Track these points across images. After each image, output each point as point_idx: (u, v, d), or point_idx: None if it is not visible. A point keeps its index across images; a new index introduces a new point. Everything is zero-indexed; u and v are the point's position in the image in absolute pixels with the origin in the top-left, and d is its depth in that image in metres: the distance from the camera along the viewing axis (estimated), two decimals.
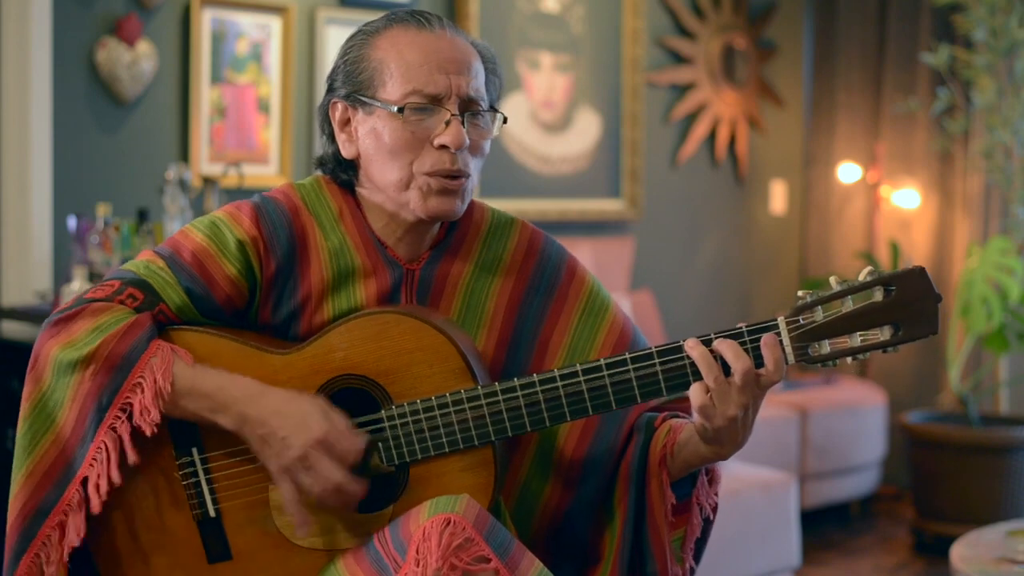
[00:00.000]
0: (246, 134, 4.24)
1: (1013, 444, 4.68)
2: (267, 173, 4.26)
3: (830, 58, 5.89)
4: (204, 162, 4.12)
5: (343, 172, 1.78)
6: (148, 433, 1.61)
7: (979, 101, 4.95)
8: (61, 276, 3.84)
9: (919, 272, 1.60)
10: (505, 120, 1.77)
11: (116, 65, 3.93)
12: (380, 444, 1.67)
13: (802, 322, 1.61)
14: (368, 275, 1.74)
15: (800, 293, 1.63)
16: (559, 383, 1.65)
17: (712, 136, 5.62)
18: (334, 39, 4.38)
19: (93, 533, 1.68)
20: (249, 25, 4.21)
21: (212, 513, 1.68)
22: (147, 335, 1.64)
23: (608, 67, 5.21)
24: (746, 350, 1.61)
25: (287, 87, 4.28)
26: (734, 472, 4.01)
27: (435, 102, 1.69)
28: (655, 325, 5.01)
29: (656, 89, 5.39)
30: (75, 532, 1.62)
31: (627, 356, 1.64)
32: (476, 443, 1.65)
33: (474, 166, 1.73)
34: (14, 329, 3.67)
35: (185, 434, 1.68)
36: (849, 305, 1.61)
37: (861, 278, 1.61)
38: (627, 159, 5.28)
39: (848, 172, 5.79)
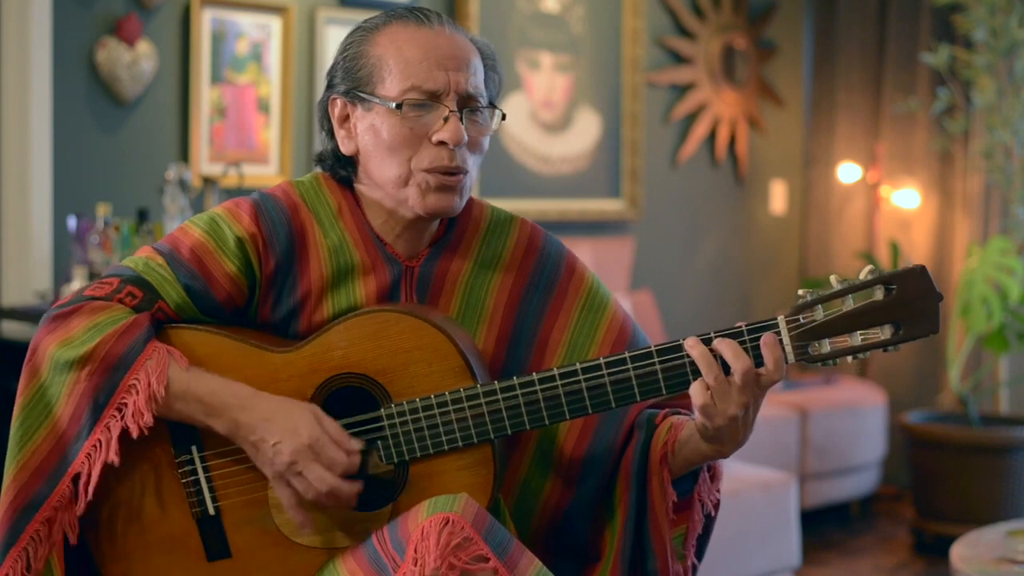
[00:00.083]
0: (246, 134, 4.24)
1: (1013, 444, 4.68)
2: (267, 173, 4.26)
3: (830, 58, 5.89)
4: (204, 162, 4.12)
5: (342, 168, 1.78)
6: (135, 434, 1.61)
7: (979, 101, 4.95)
8: (61, 276, 3.84)
9: (920, 271, 1.60)
10: (504, 117, 1.77)
11: (116, 65, 3.93)
12: (379, 442, 1.67)
13: (802, 321, 1.61)
14: (367, 272, 1.74)
15: (800, 292, 1.62)
16: (558, 382, 1.65)
17: (712, 136, 5.62)
18: (334, 39, 4.38)
19: (92, 532, 1.68)
20: (249, 25, 4.21)
21: (211, 511, 1.68)
22: (144, 336, 1.64)
23: (608, 67, 5.22)
24: (746, 349, 1.60)
25: (287, 87, 4.28)
26: (734, 472, 4.01)
27: (433, 98, 1.69)
28: (655, 325, 5.01)
29: (656, 89, 5.39)
30: (69, 530, 1.62)
31: (626, 355, 1.64)
32: (475, 441, 1.65)
33: (472, 162, 1.73)
34: (14, 329, 3.67)
35: (184, 432, 1.67)
36: (850, 304, 1.61)
37: (862, 277, 1.61)
38: (627, 159, 5.28)
39: (848, 172, 5.79)
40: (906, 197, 5.60)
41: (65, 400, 1.62)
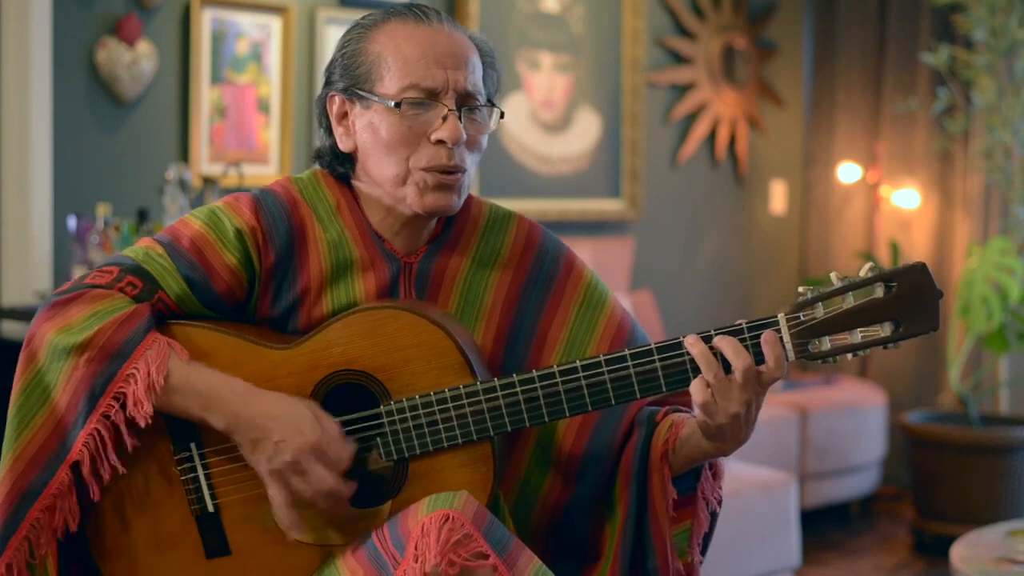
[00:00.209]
0: (246, 134, 4.24)
1: (1013, 444, 4.68)
2: (267, 173, 4.26)
3: (830, 58, 5.89)
4: (204, 162, 4.12)
5: (340, 165, 1.78)
6: (142, 424, 1.60)
7: (979, 101, 4.95)
8: (61, 276, 3.84)
9: (920, 268, 1.59)
10: (502, 115, 1.77)
11: (116, 65, 3.93)
12: (379, 439, 1.67)
13: (802, 318, 1.61)
14: (366, 268, 1.74)
15: (801, 289, 1.62)
16: (558, 379, 1.65)
17: (712, 136, 5.62)
18: (334, 39, 4.37)
19: (91, 528, 1.67)
20: (249, 25, 4.21)
21: (210, 508, 1.68)
22: (145, 326, 1.64)
23: (608, 67, 5.22)
24: (746, 347, 1.60)
25: (287, 87, 4.28)
26: (734, 472, 4.01)
27: (432, 96, 1.68)
28: (655, 325, 5.01)
29: (656, 89, 5.39)
30: (69, 516, 1.61)
31: (626, 352, 1.64)
32: (475, 439, 1.65)
33: (471, 161, 1.73)
34: (14, 329, 3.67)
35: (183, 429, 1.67)
36: (850, 301, 1.61)
37: (862, 274, 1.60)
38: (627, 159, 5.28)
39: (848, 172, 5.79)
40: (906, 197, 5.60)
41: (62, 387, 1.61)
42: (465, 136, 1.69)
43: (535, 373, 1.65)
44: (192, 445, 1.68)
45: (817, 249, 5.93)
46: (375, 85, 1.70)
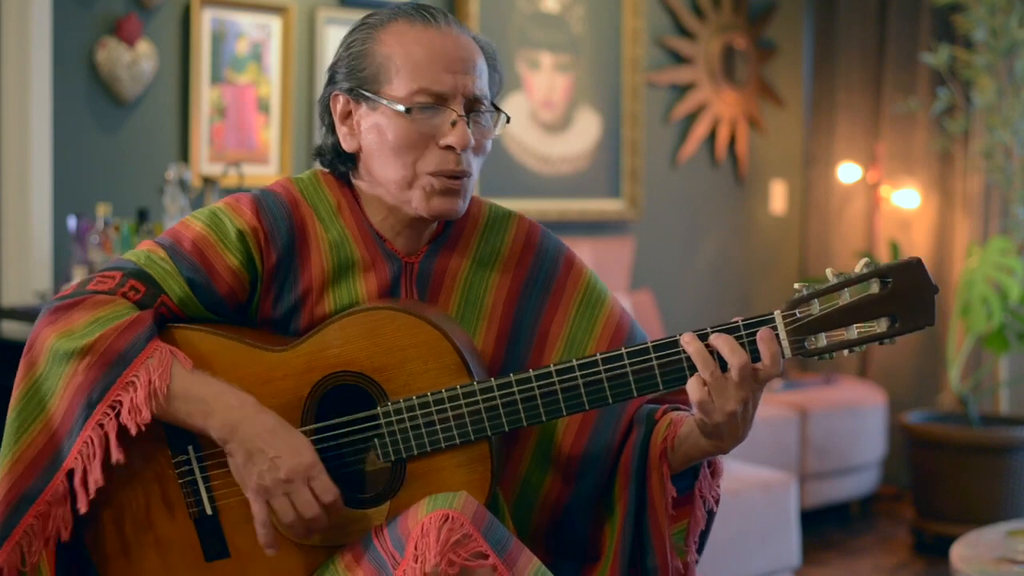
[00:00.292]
0: (246, 134, 4.24)
1: (1013, 444, 4.68)
2: (267, 173, 4.26)
3: (830, 58, 5.89)
4: (204, 162, 4.12)
5: (342, 164, 1.77)
6: (133, 431, 1.59)
7: (979, 101, 4.95)
8: (61, 276, 3.84)
9: (916, 263, 1.59)
10: (508, 120, 1.77)
11: (116, 65, 3.93)
12: (376, 440, 1.67)
13: (798, 315, 1.61)
14: (368, 268, 1.74)
15: (796, 286, 1.62)
16: (555, 378, 1.65)
17: (712, 136, 5.62)
18: (334, 39, 4.38)
19: (90, 532, 1.67)
20: (249, 25, 4.21)
21: (209, 511, 1.68)
22: (146, 334, 1.63)
23: (608, 67, 5.22)
24: (742, 344, 1.60)
25: (287, 87, 4.28)
26: (734, 472, 4.01)
27: (441, 101, 1.68)
28: (655, 325, 5.01)
29: (656, 89, 5.39)
30: (62, 525, 1.61)
31: (623, 351, 1.64)
32: (472, 439, 1.65)
33: (476, 165, 1.73)
34: (14, 329, 3.67)
35: (181, 433, 1.67)
36: (846, 298, 1.61)
37: (857, 270, 1.60)
38: (627, 159, 5.28)
39: (848, 172, 5.79)
40: (906, 197, 5.60)
41: (61, 393, 1.61)
42: (473, 142, 1.69)
43: (532, 373, 1.65)
44: (190, 448, 1.68)
45: (817, 249, 5.93)
46: (382, 87, 1.69)
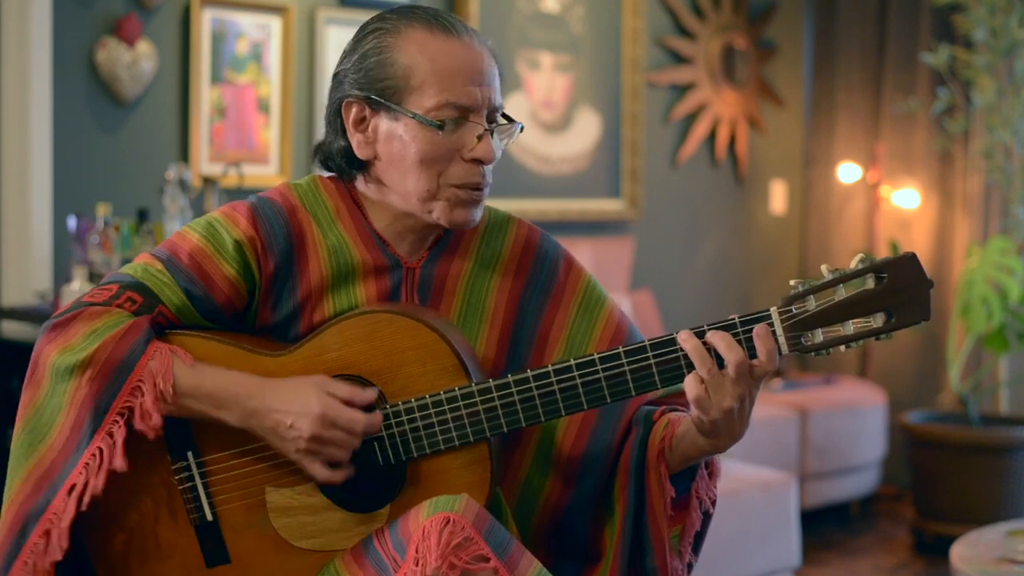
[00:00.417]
0: (246, 134, 4.24)
1: (1013, 444, 4.68)
2: (267, 173, 4.26)
3: (830, 58, 5.89)
4: (204, 162, 4.12)
5: (350, 169, 1.75)
6: (151, 437, 1.61)
7: (979, 101, 4.95)
8: (61, 276, 3.84)
9: (910, 258, 1.60)
10: (522, 129, 1.76)
11: (116, 65, 3.93)
12: (376, 443, 1.67)
13: (795, 312, 1.61)
14: (368, 273, 1.74)
15: (792, 282, 1.62)
16: (553, 379, 1.65)
17: (712, 136, 5.62)
18: (334, 39, 4.38)
19: (91, 540, 1.67)
20: (249, 25, 4.21)
21: (209, 517, 1.68)
22: (144, 338, 1.64)
23: (608, 67, 5.22)
24: (739, 341, 1.60)
25: (287, 87, 4.28)
26: (734, 472, 4.01)
27: (466, 114, 1.67)
28: (655, 325, 5.01)
29: (656, 89, 5.39)
30: (56, 542, 1.60)
31: (621, 350, 1.64)
32: (472, 440, 1.65)
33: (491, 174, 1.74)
34: (14, 329, 3.67)
35: (180, 439, 1.67)
36: (842, 293, 1.61)
37: (853, 266, 1.61)
38: (627, 159, 5.28)
39: (848, 172, 5.79)
40: (906, 197, 5.60)
41: (67, 410, 1.62)
42: (498, 155, 1.70)
43: (530, 373, 1.65)
44: (189, 454, 1.68)
45: (817, 249, 5.93)
46: (405, 98, 1.67)
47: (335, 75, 1.75)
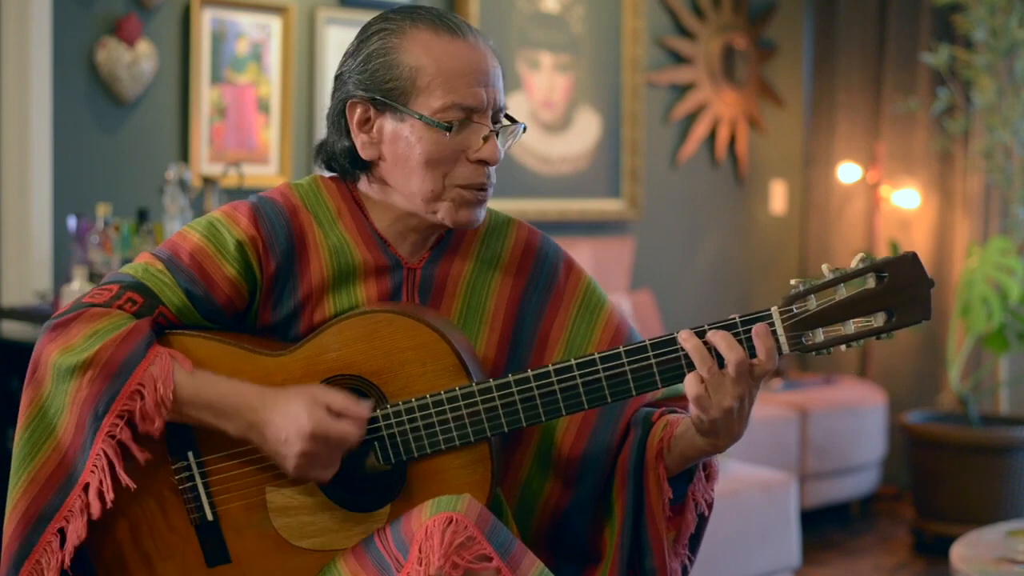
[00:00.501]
0: (246, 134, 4.24)
1: (1013, 444, 4.68)
2: (267, 173, 4.26)
3: (830, 58, 5.89)
4: (204, 162, 4.12)
5: (353, 169, 1.75)
6: (156, 436, 1.61)
7: (979, 101, 4.95)
8: (61, 276, 3.84)
9: (911, 258, 1.60)
10: (525, 129, 1.76)
11: (116, 65, 3.93)
12: (376, 443, 1.67)
13: (795, 311, 1.61)
14: (369, 273, 1.74)
15: (793, 282, 1.62)
16: (554, 378, 1.65)
17: (712, 136, 5.62)
18: (334, 39, 4.38)
19: (92, 541, 1.67)
20: (249, 25, 4.21)
21: (210, 517, 1.68)
22: (145, 341, 1.64)
23: (608, 67, 5.22)
24: (740, 341, 1.60)
25: (287, 87, 4.28)
26: (734, 472, 4.01)
27: (472, 115, 1.67)
28: (655, 325, 5.01)
29: (656, 89, 5.39)
30: (76, 535, 1.62)
31: (621, 349, 1.64)
32: (472, 440, 1.65)
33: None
34: (14, 329, 3.67)
35: (180, 439, 1.67)
36: (842, 293, 1.61)
37: (853, 265, 1.61)
38: (627, 159, 5.28)
39: (848, 172, 5.79)
40: (906, 197, 5.60)
41: (68, 410, 1.62)
42: (502, 155, 1.70)
43: (530, 373, 1.65)
44: (189, 454, 1.68)
45: (817, 249, 5.93)
46: (411, 100, 1.67)
47: (338, 76, 1.74)
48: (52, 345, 1.64)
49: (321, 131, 1.81)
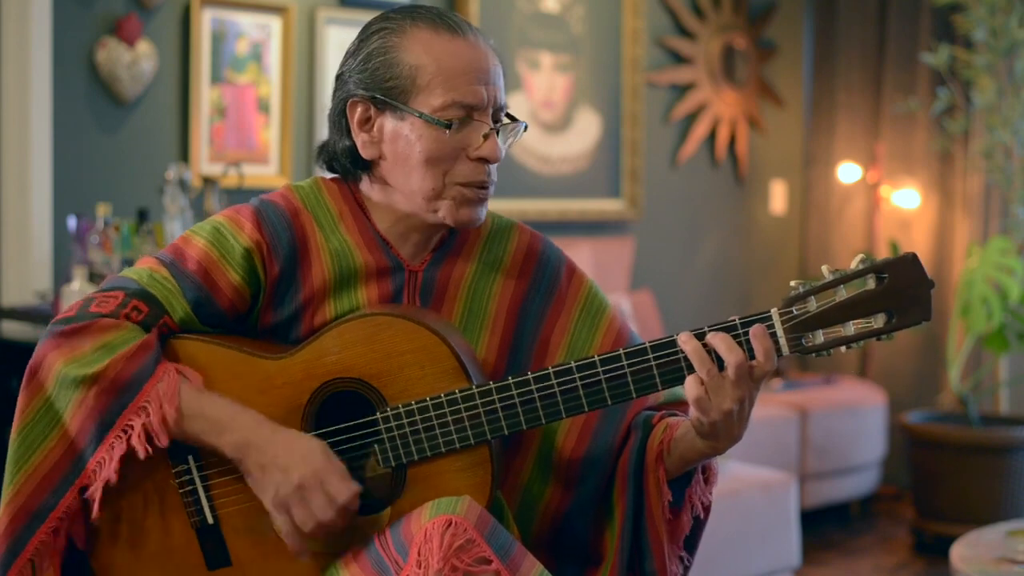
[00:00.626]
0: (246, 134, 4.24)
1: (1013, 444, 4.68)
2: (267, 173, 4.26)
3: (830, 58, 5.89)
4: (204, 162, 4.12)
5: (355, 169, 1.75)
6: (141, 456, 1.61)
7: (979, 101, 4.95)
8: (61, 276, 3.83)
9: (911, 259, 1.60)
10: (526, 128, 1.76)
11: (116, 65, 3.93)
12: (376, 446, 1.67)
13: (795, 313, 1.61)
14: (371, 276, 1.74)
15: (793, 283, 1.62)
16: (553, 380, 1.64)
17: (712, 136, 5.62)
18: (334, 39, 4.38)
19: (92, 543, 1.67)
20: (249, 25, 4.21)
21: (210, 520, 1.68)
22: (154, 358, 1.64)
23: (608, 67, 5.21)
24: (739, 343, 1.60)
25: (287, 87, 4.28)
26: (734, 472, 4.01)
27: (472, 113, 1.67)
28: (655, 325, 5.01)
29: (656, 89, 5.39)
30: (76, 538, 1.62)
31: (621, 352, 1.64)
32: (472, 442, 1.65)
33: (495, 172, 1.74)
34: (14, 329, 3.67)
35: (181, 443, 1.67)
36: (842, 294, 1.61)
37: (853, 266, 1.61)
38: (627, 159, 5.28)
39: (848, 172, 5.79)
40: (906, 197, 5.60)
41: (72, 414, 1.62)
42: (503, 153, 1.70)
43: (530, 375, 1.65)
44: (190, 458, 1.68)
45: (817, 249, 5.93)
46: (412, 98, 1.67)
47: (339, 75, 1.75)
48: (57, 352, 1.63)
49: (321, 131, 1.81)
